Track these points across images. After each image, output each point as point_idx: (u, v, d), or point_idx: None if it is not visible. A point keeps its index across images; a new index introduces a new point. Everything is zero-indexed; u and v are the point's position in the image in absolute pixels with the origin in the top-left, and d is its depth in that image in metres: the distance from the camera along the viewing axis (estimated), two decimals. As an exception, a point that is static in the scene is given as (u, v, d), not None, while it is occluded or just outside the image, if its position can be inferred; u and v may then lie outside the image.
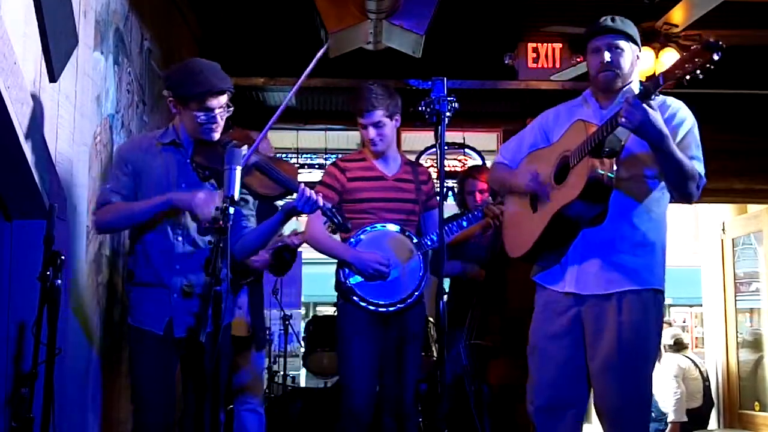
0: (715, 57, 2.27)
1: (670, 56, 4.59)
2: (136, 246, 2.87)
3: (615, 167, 2.58)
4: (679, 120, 2.69)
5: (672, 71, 2.38)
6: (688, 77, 2.34)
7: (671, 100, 2.77)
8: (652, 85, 2.43)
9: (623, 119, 2.45)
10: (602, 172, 2.55)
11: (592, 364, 2.68)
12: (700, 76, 2.34)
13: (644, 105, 2.43)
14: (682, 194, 2.64)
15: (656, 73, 5.13)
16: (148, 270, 2.83)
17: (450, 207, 4.92)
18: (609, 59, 2.70)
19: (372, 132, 3.41)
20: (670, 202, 2.79)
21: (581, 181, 2.57)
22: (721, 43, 2.28)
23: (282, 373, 5.86)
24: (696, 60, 2.31)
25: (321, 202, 2.76)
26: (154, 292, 2.81)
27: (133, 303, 2.88)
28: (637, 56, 2.76)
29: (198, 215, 2.71)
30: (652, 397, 2.85)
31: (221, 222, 2.26)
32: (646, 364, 2.69)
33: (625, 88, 2.76)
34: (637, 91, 2.54)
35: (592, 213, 2.66)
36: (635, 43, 2.74)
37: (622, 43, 2.71)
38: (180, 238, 2.82)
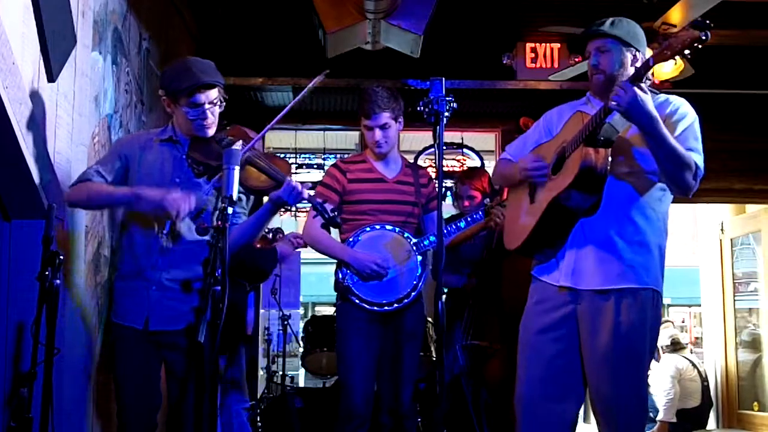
0: (703, 36, 2.30)
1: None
2: (122, 241, 2.89)
3: (609, 157, 2.58)
4: (680, 115, 2.70)
5: (662, 52, 2.42)
6: (677, 56, 2.39)
7: (674, 98, 2.77)
8: (643, 67, 2.47)
9: (612, 102, 2.46)
10: (595, 161, 2.56)
11: (588, 362, 2.67)
12: (688, 56, 2.39)
13: (634, 87, 2.44)
14: (678, 185, 2.62)
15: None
16: (129, 263, 2.85)
17: (449, 207, 4.93)
18: (595, 63, 2.74)
19: (378, 134, 3.42)
20: (672, 201, 2.78)
21: (574, 170, 2.58)
22: (708, 22, 2.31)
23: (281, 373, 5.86)
24: (685, 40, 2.35)
25: (306, 194, 2.74)
26: (133, 285, 2.83)
27: (115, 298, 2.90)
28: (635, 56, 2.73)
29: (170, 212, 2.62)
30: (650, 397, 2.85)
31: (220, 222, 2.26)
32: (642, 363, 2.69)
33: None
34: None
35: (586, 203, 2.66)
36: (627, 44, 2.72)
37: (611, 46, 2.72)
38: (164, 233, 2.82)
